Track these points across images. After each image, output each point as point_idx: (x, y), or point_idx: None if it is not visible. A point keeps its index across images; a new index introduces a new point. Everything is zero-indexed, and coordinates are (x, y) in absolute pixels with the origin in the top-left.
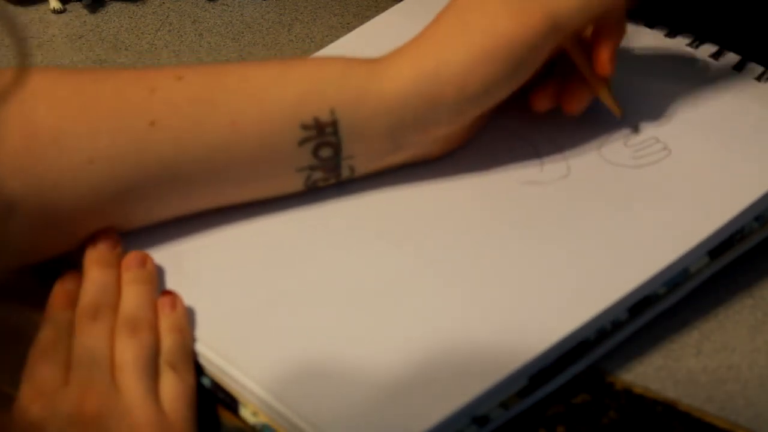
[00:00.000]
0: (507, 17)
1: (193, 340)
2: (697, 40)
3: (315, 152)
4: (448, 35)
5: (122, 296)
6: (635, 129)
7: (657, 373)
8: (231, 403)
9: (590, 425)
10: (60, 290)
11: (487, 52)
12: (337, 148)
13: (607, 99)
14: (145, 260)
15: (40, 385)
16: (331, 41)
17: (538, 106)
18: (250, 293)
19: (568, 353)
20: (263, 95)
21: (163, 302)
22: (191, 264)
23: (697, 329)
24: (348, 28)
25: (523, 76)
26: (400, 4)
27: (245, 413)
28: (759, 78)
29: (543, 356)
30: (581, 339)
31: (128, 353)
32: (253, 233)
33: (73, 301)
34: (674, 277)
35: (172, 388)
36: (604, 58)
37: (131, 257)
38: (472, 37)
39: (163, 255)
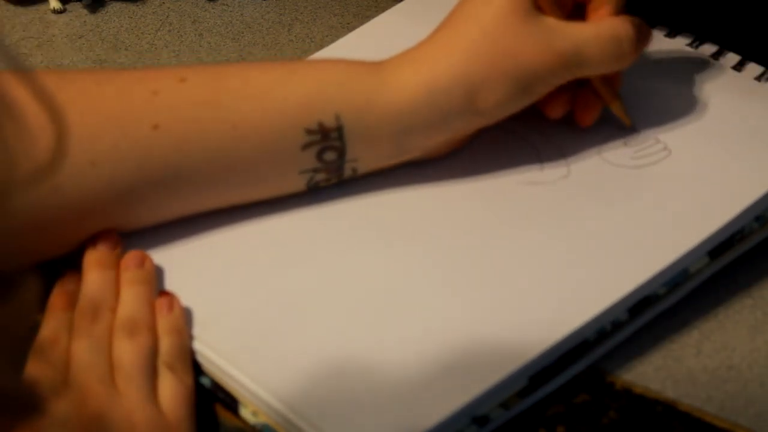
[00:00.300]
0: (532, 44)
1: (190, 340)
2: (697, 40)
3: (319, 156)
4: (466, 45)
5: (120, 297)
6: (635, 129)
7: (657, 373)
8: (231, 403)
9: (590, 425)
10: (60, 291)
11: (506, 74)
12: (341, 152)
13: (619, 111)
14: (143, 260)
15: (40, 389)
16: (331, 41)
17: (552, 114)
18: (251, 293)
19: (568, 353)
20: (266, 98)
21: (161, 303)
22: (192, 263)
23: (697, 329)
24: (348, 28)
25: (537, 98)
26: (400, 4)
27: (245, 413)
28: (759, 78)
29: (543, 356)
30: (581, 339)
31: (127, 355)
32: (253, 233)
33: (72, 301)
34: (674, 278)
35: (171, 389)
36: (617, 73)
37: (130, 257)
38: (493, 55)
39: (164, 255)
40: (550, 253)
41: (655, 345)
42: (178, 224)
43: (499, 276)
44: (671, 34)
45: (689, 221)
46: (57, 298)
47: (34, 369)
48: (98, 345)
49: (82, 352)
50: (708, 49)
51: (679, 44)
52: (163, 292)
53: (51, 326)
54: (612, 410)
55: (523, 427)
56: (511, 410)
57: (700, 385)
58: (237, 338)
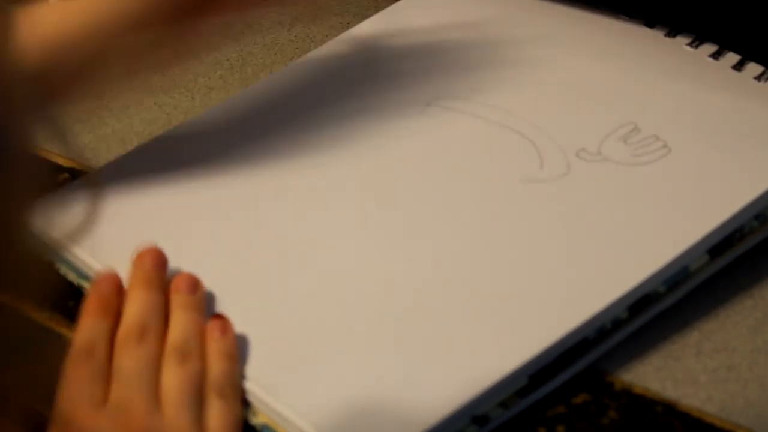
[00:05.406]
0: None
1: (241, 367)
2: (697, 40)
3: None
4: None
5: (171, 321)
6: (635, 127)
7: (657, 373)
8: None
9: (590, 425)
10: (95, 295)
11: None
12: None
13: None
14: (196, 285)
15: (79, 402)
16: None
17: None
18: (251, 295)
19: (568, 352)
20: None
21: (213, 327)
22: (191, 265)
23: (697, 329)
24: (348, 28)
25: None
26: (398, 4)
27: (245, 413)
28: (759, 78)
29: (543, 355)
30: (581, 337)
31: (176, 381)
32: (251, 236)
33: (108, 308)
34: (674, 276)
35: (220, 417)
36: None
37: (182, 280)
38: None
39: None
40: (549, 250)
41: (655, 345)
42: (176, 224)
43: (498, 274)
44: (671, 34)
45: (689, 219)
46: (92, 303)
47: (75, 379)
48: (145, 367)
49: (128, 371)
50: (708, 49)
51: (679, 44)
52: (216, 316)
53: (86, 333)
54: (612, 410)
55: (523, 427)
56: (511, 410)
57: (700, 385)
58: (237, 339)
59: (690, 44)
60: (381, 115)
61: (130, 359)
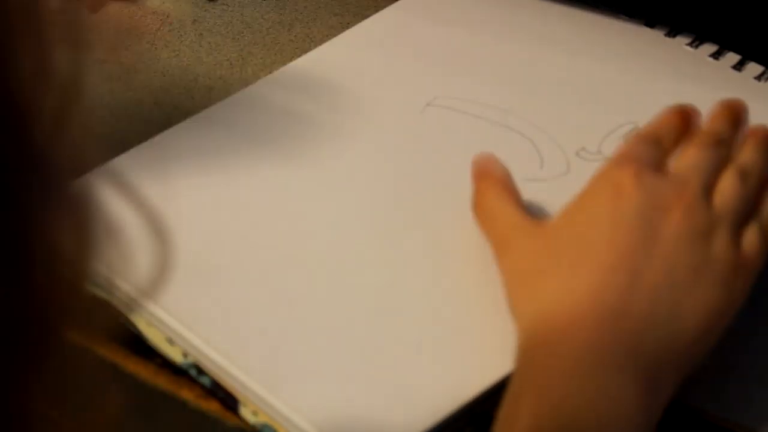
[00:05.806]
0: None
1: None
2: (697, 40)
3: None
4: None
5: (744, 147)
6: (635, 127)
7: None
8: (231, 402)
9: None
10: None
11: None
12: None
13: None
14: None
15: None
16: None
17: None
18: (251, 292)
19: None
20: None
21: None
22: (190, 264)
23: None
24: (347, 27)
25: None
26: (397, 3)
27: (245, 413)
28: (759, 78)
29: None
30: None
31: (731, 190)
32: (250, 236)
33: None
34: None
35: (755, 237)
36: None
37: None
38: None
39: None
40: None
41: None
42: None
43: (498, 272)
44: (671, 34)
45: None
46: (674, 114)
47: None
48: (710, 163)
49: (695, 157)
50: (708, 49)
51: (679, 44)
52: None
53: (662, 126)
54: None
55: None
56: None
57: (701, 385)
58: (238, 337)
59: (690, 44)
60: (381, 115)
61: (698, 150)
